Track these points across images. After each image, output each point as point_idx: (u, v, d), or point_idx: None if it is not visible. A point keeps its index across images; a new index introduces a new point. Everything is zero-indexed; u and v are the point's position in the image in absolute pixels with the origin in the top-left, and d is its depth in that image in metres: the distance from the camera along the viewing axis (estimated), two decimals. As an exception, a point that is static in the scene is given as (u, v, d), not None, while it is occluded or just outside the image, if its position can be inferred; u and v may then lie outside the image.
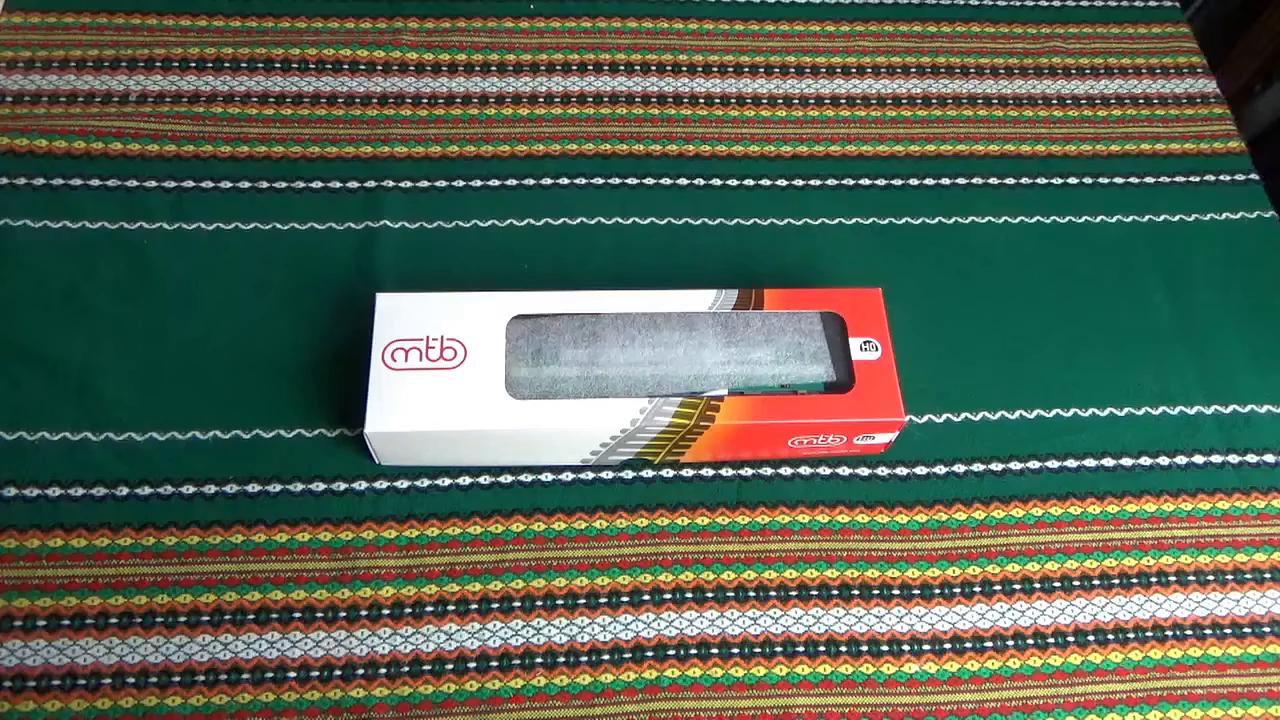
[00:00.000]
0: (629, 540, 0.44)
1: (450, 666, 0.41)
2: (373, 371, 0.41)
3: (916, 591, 0.44)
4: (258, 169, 0.52)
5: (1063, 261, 0.53)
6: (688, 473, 0.46)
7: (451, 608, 0.42)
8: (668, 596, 0.43)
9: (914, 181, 0.55)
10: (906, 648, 0.43)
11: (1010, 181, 0.55)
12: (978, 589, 0.44)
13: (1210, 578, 0.45)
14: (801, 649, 0.42)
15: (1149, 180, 0.56)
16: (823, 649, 0.42)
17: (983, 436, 0.47)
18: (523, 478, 0.45)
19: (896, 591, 0.44)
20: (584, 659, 0.41)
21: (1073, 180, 0.55)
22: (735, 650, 0.42)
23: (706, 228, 0.52)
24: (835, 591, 0.43)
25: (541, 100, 0.55)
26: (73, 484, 0.43)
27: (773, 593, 0.43)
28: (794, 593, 0.43)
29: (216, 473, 0.44)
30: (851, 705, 0.41)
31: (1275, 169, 0.59)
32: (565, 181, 0.53)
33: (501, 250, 0.50)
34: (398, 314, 0.43)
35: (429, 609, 0.42)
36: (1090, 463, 0.47)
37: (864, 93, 0.57)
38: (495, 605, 0.42)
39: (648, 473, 0.45)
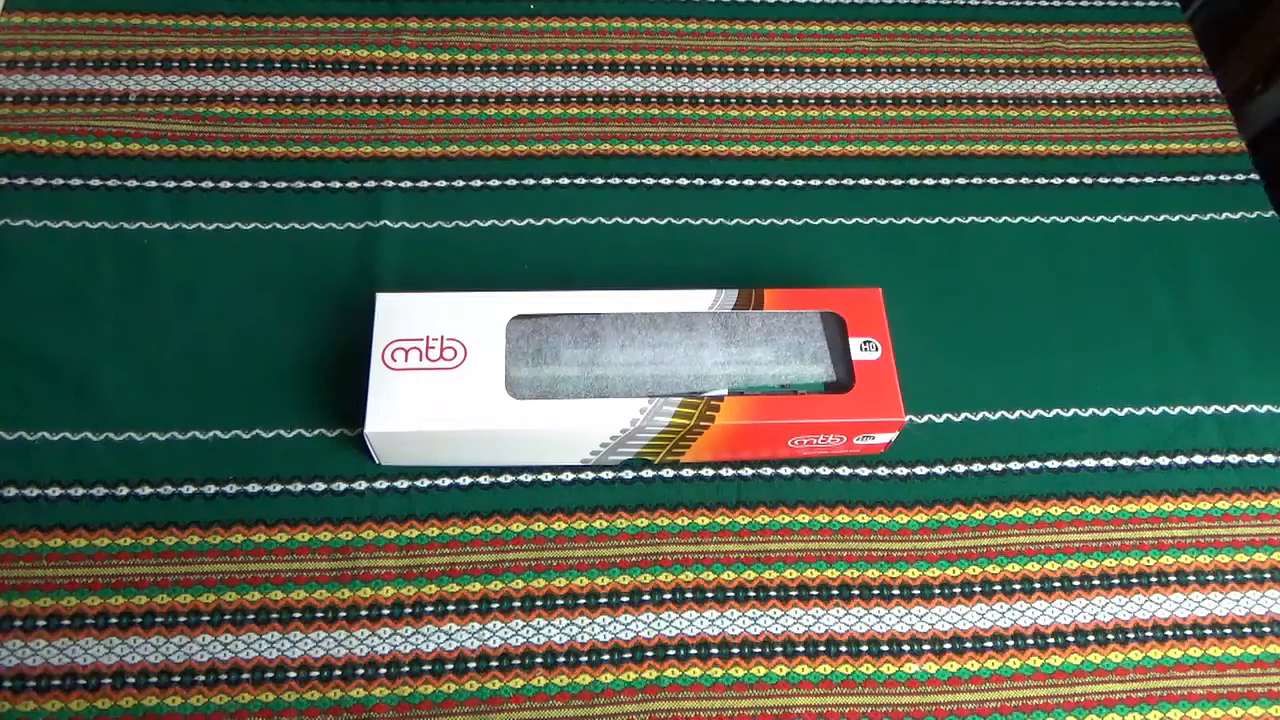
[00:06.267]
0: (629, 540, 0.44)
1: (450, 666, 0.41)
2: (373, 371, 0.41)
3: (916, 591, 0.44)
4: (258, 169, 0.52)
5: (1063, 261, 0.53)
6: (688, 473, 0.46)
7: (451, 608, 0.42)
8: (668, 596, 0.43)
9: (914, 181, 0.55)
10: (906, 648, 0.43)
11: (1010, 181, 0.55)
12: (978, 589, 0.44)
13: (1210, 578, 0.45)
14: (801, 649, 0.42)
15: (1149, 180, 0.56)
16: (823, 649, 0.42)
17: (983, 436, 0.47)
18: (523, 478, 0.45)
19: (896, 591, 0.44)
20: (584, 659, 0.41)
21: (1073, 180, 0.55)
22: (735, 650, 0.42)
23: (706, 228, 0.52)
24: (835, 591, 0.43)
25: (541, 100, 0.55)
26: (73, 484, 0.43)
27: (773, 593, 0.43)
28: (794, 593, 0.43)
29: (216, 473, 0.44)
30: (851, 705, 0.41)
31: (1275, 169, 0.59)
32: (565, 181, 0.53)
33: (501, 250, 0.50)
34: (398, 314, 0.43)
35: (429, 609, 0.42)
36: (1090, 463, 0.47)
37: (864, 93, 0.57)
38: (495, 605, 0.42)
39: (648, 473, 0.45)
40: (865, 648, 0.42)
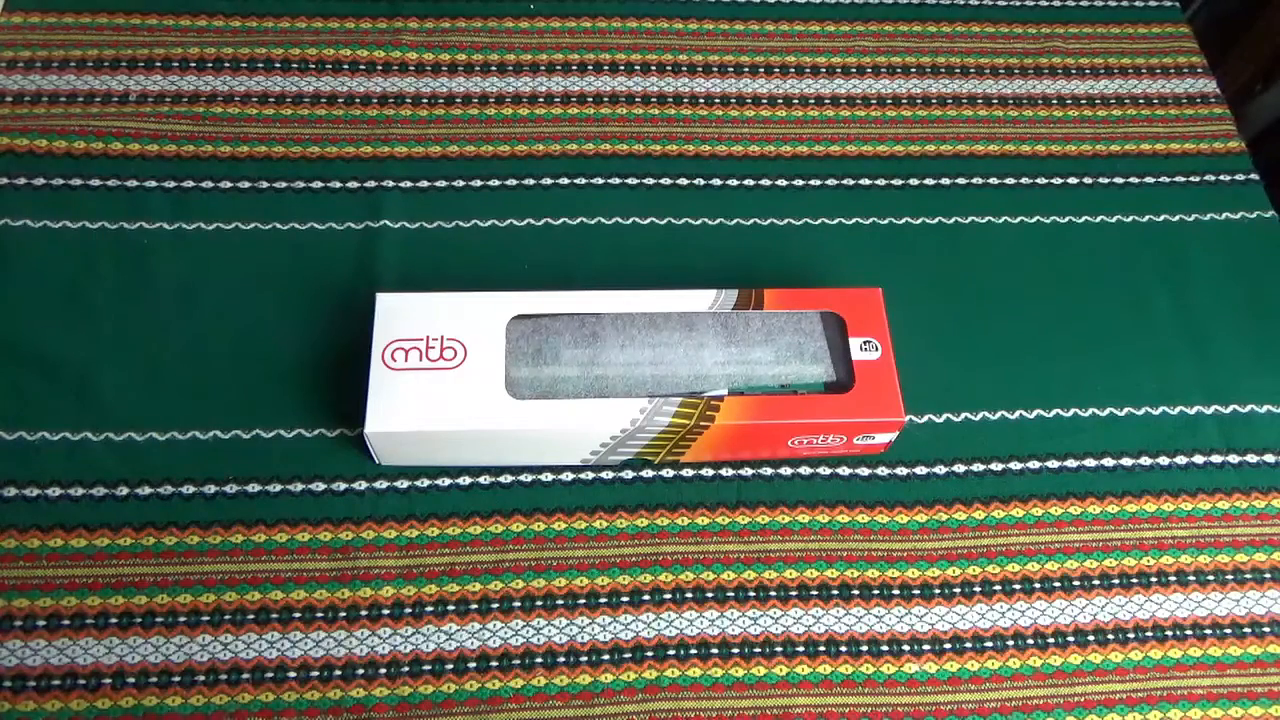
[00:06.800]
0: (629, 540, 0.44)
1: (450, 666, 0.41)
2: (373, 371, 0.41)
3: (916, 591, 0.44)
4: (258, 169, 0.52)
5: (1063, 261, 0.53)
6: (688, 473, 0.46)
7: (451, 608, 0.42)
8: (668, 596, 0.43)
9: (914, 181, 0.55)
10: (906, 648, 0.43)
11: (1010, 181, 0.55)
12: (978, 589, 0.44)
13: (1210, 578, 0.45)
14: (801, 649, 0.42)
15: (1149, 180, 0.56)
16: (823, 649, 0.42)
17: (983, 436, 0.47)
18: (523, 478, 0.45)
19: (896, 591, 0.44)
20: (584, 659, 0.41)
21: (1073, 180, 0.55)
22: (735, 650, 0.42)
23: (706, 228, 0.52)
24: (835, 591, 0.43)
25: (541, 100, 0.55)
26: (73, 484, 0.43)
27: (773, 593, 0.43)
28: (794, 593, 0.43)
29: (216, 473, 0.44)
30: (851, 705, 0.41)
31: (1275, 169, 0.59)
32: (565, 181, 0.53)
33: (501, 250, 0.50)
34: (398, 314, 0.43)
35: (429, 609, 0.42)
36: (1090, 463, 0.47)
37: (864, 93, 0.57)
38: (495, 605, 0.42)
39: (648, 473, 0.45)
40: (865, 648, 0.42)
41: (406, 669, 0.41)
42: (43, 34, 0.55)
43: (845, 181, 0.54)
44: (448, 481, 0.45)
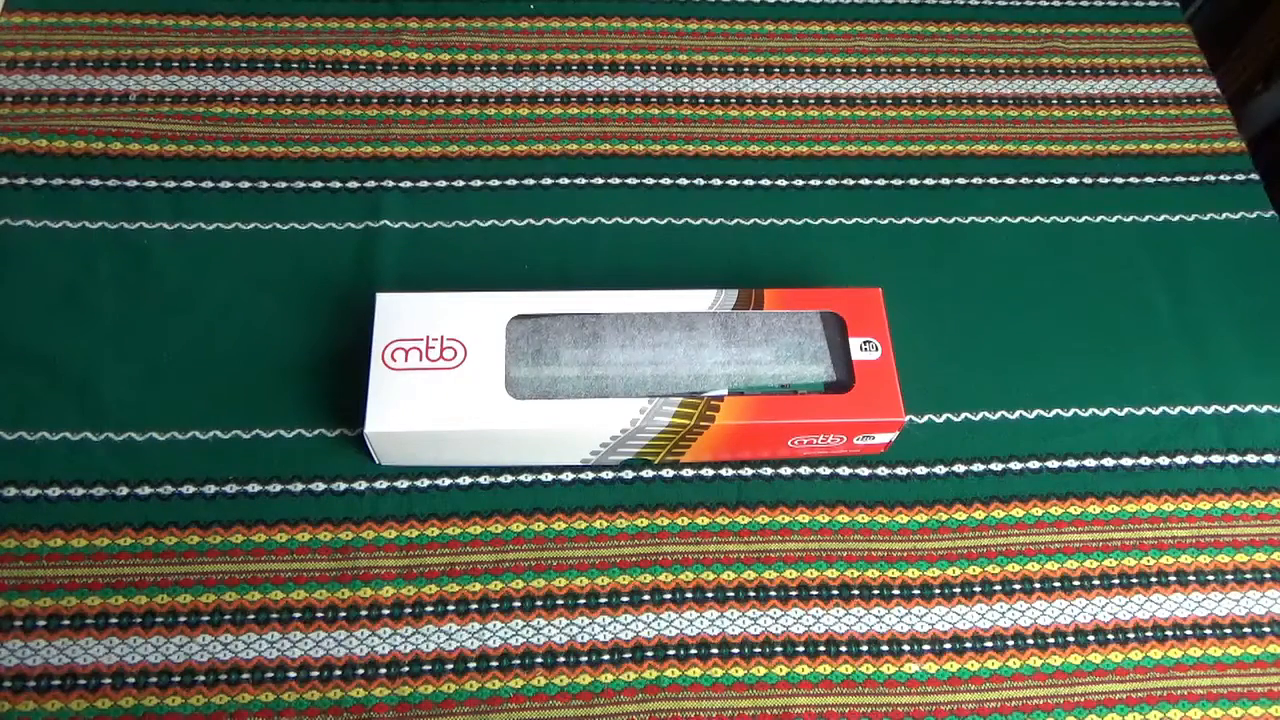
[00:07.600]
0: (629, 540, 0.44)
1: (450, 666, 0.41)
2: (373, 371, 0.41)
3: (916, 591, 0.44)
4: (258, 169, 0.52)
5: (1062, 261, 0.53)
6: (688, 473, 0.46)
7: (451, 608, 0.42)
8: (668, 596, 0.43)
9: (914, 181, 0.55)
10: (906, 648, 0.43)
11: (1010, 181, 0.55)
12: (978, 589, 0.44)
13: (1210, 578, 0.45)
14: (801, 649, 0.42)
15: (1149, 180, 0.56)
16: (823, 649, 0.42)
17: (983, 436, 0.47)
18: (523, 478, 0.45)
19: (896, 591, 0.44)
20: (584, 659, 0.41)
21: (1073, 180, 0.55)
22: (735, 650, 0.42)
23: (706, 228, 0.52)
24: (835, 591, 0.43)
25: (541, 100, 0.55)
26: (73, 484, 0.43)
27: (773, 593, 0.43)
28: (794, 593, 0.43)
29: (216, 473, 0.44)
30: (851, 705, 0.41)
31: (1275, 169, 0.59)
32: (565, 181, 0.53)
33: (501, 250, 0.50)
34: (398, 314, 0.43)
35: (429, 609, 0.42)
36: (1090, 463, 0.47)
37: (864, 93, 0.57)
38: (495, 605, 0.42)
39: (648, 473, 0.45)
40: (865, 648, 0.42)
41: (406, 669, 0.41)
42: (43, 34, 0.55)
43: (845, 181, 0.54)
44: (448, 481, 0.45)
